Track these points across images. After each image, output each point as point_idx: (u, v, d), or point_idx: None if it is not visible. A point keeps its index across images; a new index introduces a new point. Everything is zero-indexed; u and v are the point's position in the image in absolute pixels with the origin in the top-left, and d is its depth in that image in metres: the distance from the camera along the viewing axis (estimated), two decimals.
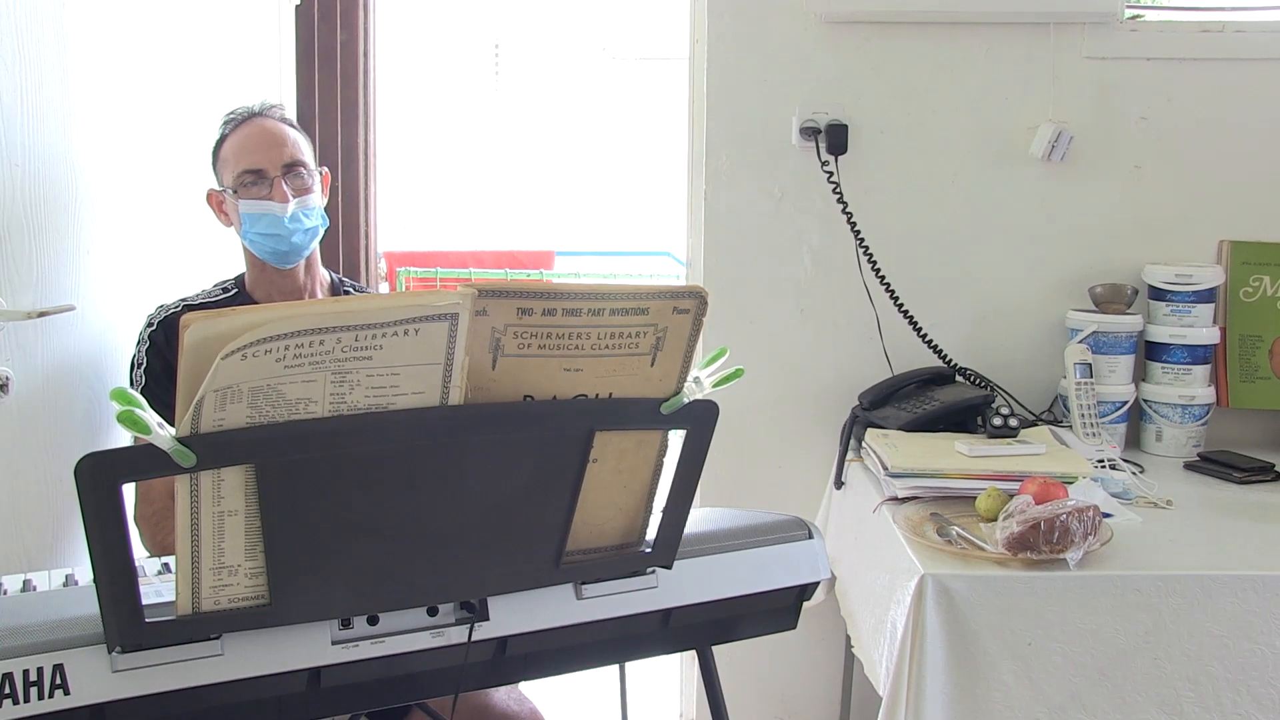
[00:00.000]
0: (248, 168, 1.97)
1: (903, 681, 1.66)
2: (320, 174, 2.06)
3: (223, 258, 2.40)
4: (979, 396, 2.22)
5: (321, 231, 2.04)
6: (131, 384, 1.99)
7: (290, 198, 1.96)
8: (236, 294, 2.07)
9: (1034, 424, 2.30)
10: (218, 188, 2.05)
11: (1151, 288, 2.39)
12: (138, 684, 1.09)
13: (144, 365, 1.98)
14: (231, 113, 2.07)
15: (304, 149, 2.04)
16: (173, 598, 1.10)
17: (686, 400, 1.24)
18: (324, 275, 2.13)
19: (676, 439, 1.29)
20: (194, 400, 0.99)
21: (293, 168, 1.99)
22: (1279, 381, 2.41)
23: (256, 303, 2.03)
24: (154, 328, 2.00)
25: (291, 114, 2.26)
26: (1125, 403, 2.35)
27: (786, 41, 2.40)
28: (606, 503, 1.28)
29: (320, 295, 2.11)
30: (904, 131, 2.43)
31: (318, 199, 2.03)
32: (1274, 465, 2.19)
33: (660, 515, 1.32)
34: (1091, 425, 2.25)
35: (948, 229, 2.45)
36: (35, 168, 1.78)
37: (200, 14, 2.47)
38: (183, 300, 2.07)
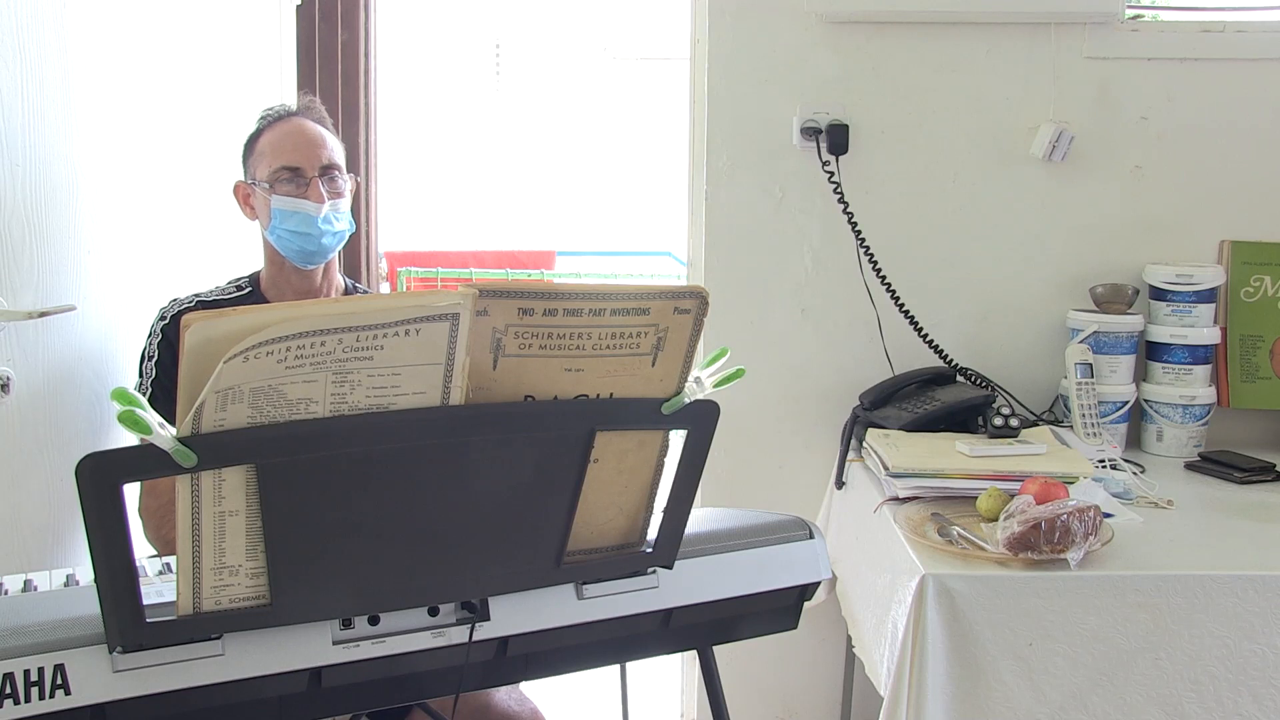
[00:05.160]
0: (286, 164, 1.98)
1: (904, 681, 1.66)
2: (350, 180, 2.07)
3: (226, 256, 2.41)
4: (980, 396, 2.22)
5: (347, 236, 2.04)
6: (141, 376, 2.00)
7: (325, 199, 1.97)
8: (250, 292, 2.07)
9: (1035, 424, 2.30)
10: (245, 180, 2.05)
11: (1152, 288, 2.39)
12: (139, 684, 1.09)
13: (155, 358, 1.99)
14: (270, 108, 2.07)
15: (340, 154, 2.06)
16: (174, 598, 1.10)
17: (687, 400, 1.24)
18: (339, 280, 2.13)
19: (677, 439, 1.29)
20: (195, 401, 0.99)
21: (329, 170, 2.00)
22: (1279, 381, 2.41)
23: (269, 302, 2.03)
24: (166, 321, 2.00)
25: None
26: (1126, 403, 2.35)
27: (787, 41, 2.40)
28: (607, 503, 1.28)
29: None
30: (905, 131, 2.43)
31: (348, 204, 2.04)
32: (1275, 465, 2.19)
33: (661, 515, 1.33)
34: (1092, 425, 2.25)
35: (949, 229, 2.45)
36: (36, 167, 1.78)
37: (201, 13, 2.48)
38: (195, 295, 2.07)
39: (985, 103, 2.42)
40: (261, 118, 2.06)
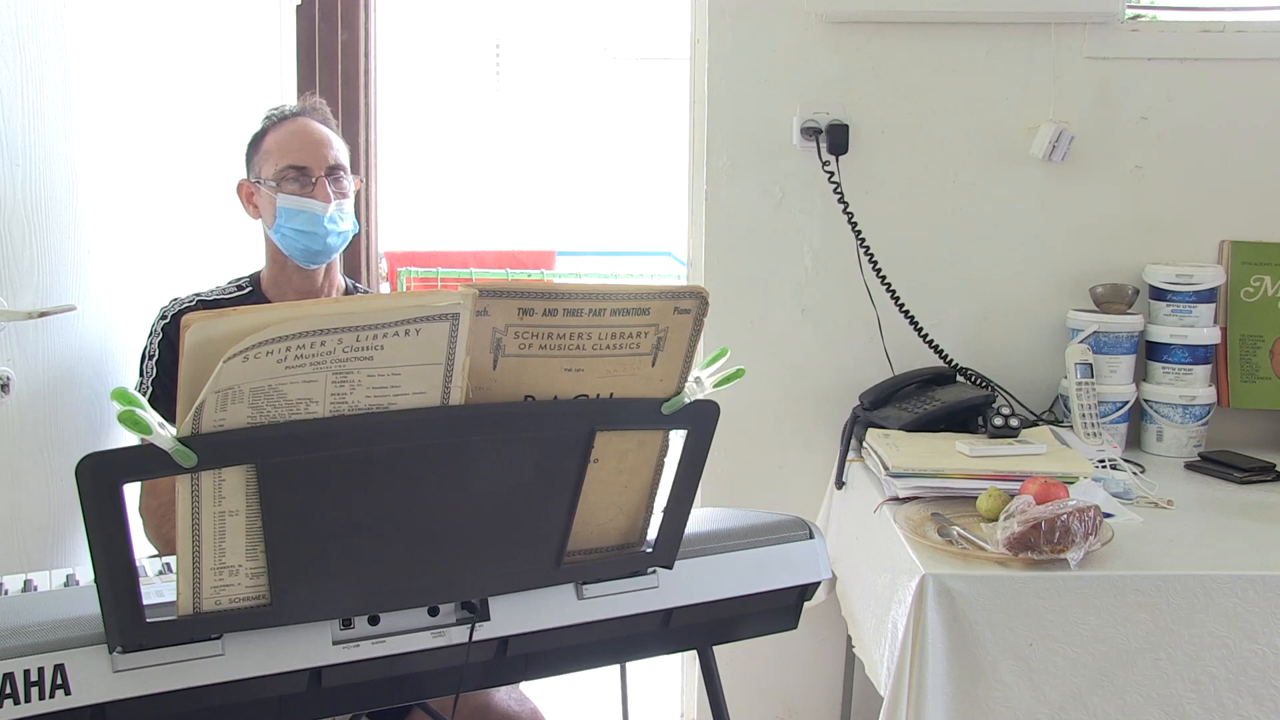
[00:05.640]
0: (293, 164, 1.98)
1: (904, 681, 1.66)
2: (354, 181, 2.07)
3: (226, 256, 2.41)
4: (980, 396, 2.22)
5: (351, 237, 2.04)
6: (142, 376, 2.00)
7: (331, 198, 1.97)
8: (251, 292, 2.08)
9: (1035, 424, 2.30)
10: (249, 178, 2.05)
11: (1152, 288, 2.39)
12: (139, 684, 1.09)
13: (155, 357, 1.99)
14: (276, 107, 2.08)
15: (345, 154, 2.06)
16: (174, 598, 1.10)
17: (687, 400, 1.24)
18: (340, 281, 2.13)
19: (677, 439, 1.29)
20: (195, 401, 0.99)
21: (335, 171, 2.01)
22: (1279, 381, 2.41)
23: (270, 302, 2.03)
24: (167, 320, 2.01)
25: None
26: (1126, 403, 2.35)
27: (787, 41, 2.40)
28: (607, 503, 1.28)
29: None
30: (905, 131, 2.43)
31: (352, 204, 2.04)
32: (1275, 465, 2.19)
33: (661, 515, 1.32)
34: (1092, 425, 2.25)
35: (949, 229, 2.45)
36: (36, 167, 1.78)
37: (201, 13, 2.48)
38: (196, 295, 2.07)
39: (985, 103, 2.42)
40: (267, 117, 2.06)
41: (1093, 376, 2.29)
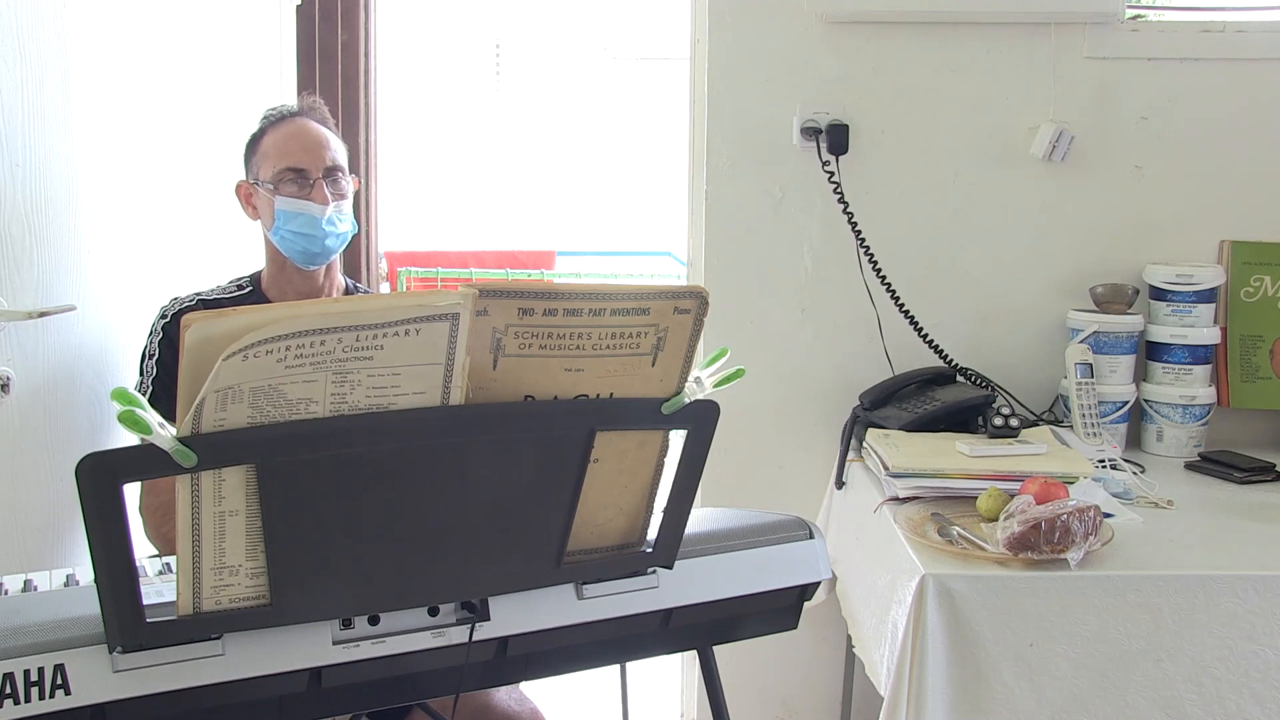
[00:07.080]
0: (291, 165, 1.98)
1: (904, 681, 1.66)
2: (352, 181, 2.07)
3: (226, 256, 2.41)
4: (980, 396, 2.22)
5: (350, 238, 2.04)
6: (142, 375, 2.00)
7: (329, 200, 1.97)
8: (251, 291, 2.08)
9: (1035, 424, 2.30)
10: (247, 179, 2.05)
11: (1152, 288, 2.39)
12: (139, 684, 1.09)
13: (155, 357, 1.99)
14: (274, 108, 2.08)
15: (343, 155, 2.06)
16: (174, 598, 1.10)
17: (687, 400, 1.24)
18: (341, 281, 2.13)
19: (677, 439, 1.29)
20: (195, 400, 0.99)
21: (333, 172, 2.01)
22: (1279, 381, 2.41)
23: (270, 301, 2.03)
24: (167, 320, 2.01)
25: None
26: (1126, 403, 2.35)
27: (787, 41, 2.40)
28: (607, 503, 1.28)
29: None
30: (905, 131, 2.43)
31: (350, 205, 2.04)
32: (1275, 465, 2.18)
33: (661, 515, 1.33)
34: (1092, 425, 2.25)
35: (949, 229, 2.45)
36: (36, 167, 1.78)
37: (201, 13, 2.48)
38: (197, 294, 2.07)
39: (985, 103, 2.42)
40: (264, 117, 2.06)
41: (1093, 376, 2.29)
